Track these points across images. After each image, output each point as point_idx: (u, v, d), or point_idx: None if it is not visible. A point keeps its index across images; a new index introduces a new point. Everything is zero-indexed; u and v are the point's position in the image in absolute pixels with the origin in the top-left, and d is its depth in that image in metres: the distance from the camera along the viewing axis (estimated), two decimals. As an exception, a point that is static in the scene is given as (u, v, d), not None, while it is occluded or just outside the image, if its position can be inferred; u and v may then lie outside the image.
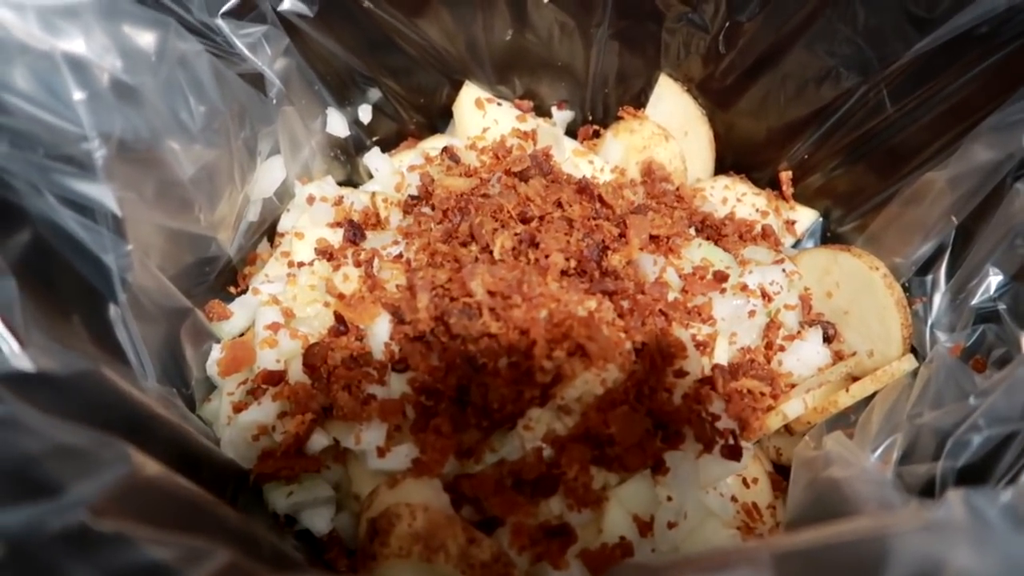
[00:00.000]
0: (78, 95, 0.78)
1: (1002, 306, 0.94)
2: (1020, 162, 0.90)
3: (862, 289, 1.06)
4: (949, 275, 1.02)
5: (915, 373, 0.97)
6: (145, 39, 0.84)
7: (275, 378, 0.98)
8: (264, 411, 0.96)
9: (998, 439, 0.74)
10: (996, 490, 0.58)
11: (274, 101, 1.07)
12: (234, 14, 0.98)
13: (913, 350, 1.05)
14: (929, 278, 1.05)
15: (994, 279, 0.95)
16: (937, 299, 1.03)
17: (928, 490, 0.80)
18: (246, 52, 1.00)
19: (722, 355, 1.01)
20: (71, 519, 0.48)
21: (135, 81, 0.83)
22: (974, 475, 0.75)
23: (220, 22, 0.96)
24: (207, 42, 0.95)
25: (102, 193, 0.79)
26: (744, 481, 1.00)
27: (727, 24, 1.14)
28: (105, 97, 0.80)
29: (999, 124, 0.92)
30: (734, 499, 0.97)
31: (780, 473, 1.05)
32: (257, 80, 1.04)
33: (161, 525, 0.55)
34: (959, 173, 0.97)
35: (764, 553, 0.53)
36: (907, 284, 1.07)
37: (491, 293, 0.91)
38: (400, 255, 1.03)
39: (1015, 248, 0.93)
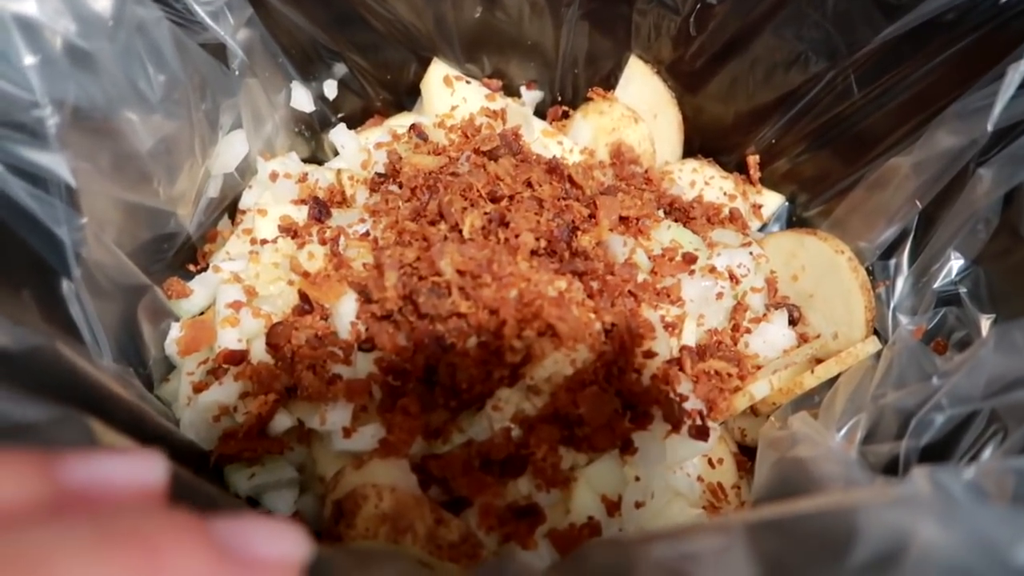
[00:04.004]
0: (29, 59, 0.74)
1: (963, 289, 0.96)
2: (983, 148, 0.91)
3: (827, 272, 1.08)
4: (912, 259, 1.04)
5: (878, 355, 0.99)
6: (101, 3, 0.80)
7: (237, 358, 0.95)
8: (225, 391, 0.93)
9: (960, 418, 0.75)
10: (959, 467, 0.60)
11: (236, 73, 1.04)
12: (195, -20, 0.94)
13: (876, 333, 1.07)
14: (892, 262, 1.06)
15: (955, 263, 0.97)
16: (900, 283, 1.05)
17: (891, 468, 0.81)
18: (208, 21, 0.96)
19: (690, 336, 1.01)
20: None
21: (91, 47, 0.79)
22: (936, 453, 0.77)
23: (180, -12, 0.93)
24: (167, 9, 0.91)
25: (55, 162, 0.76)
26: (710, 461, 1.00)
27: (698, 6, 1.13)
28: (58, 62, 0.76)
29: (963, 111, 0.93)
30: (700, 479, 0.98)
31: (745, 454, 1.06)
32: (219, 50, 1.01)
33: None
34: (923, 159, 0.98)
35: (737, 523, 0.53)
36: (871, 268, 1.09)
37: (460, 272, 0.89)
38: (367, 233, 1.01)
39: (976, 233, 0.94)
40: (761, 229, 1.28)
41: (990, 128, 0.89)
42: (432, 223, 0.99)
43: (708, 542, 0.53)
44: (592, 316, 0.92)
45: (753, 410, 1.05)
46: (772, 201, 1.27)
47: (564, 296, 0.91)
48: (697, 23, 1.16)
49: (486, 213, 0.98)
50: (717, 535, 0.53)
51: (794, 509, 0.55)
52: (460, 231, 0.96)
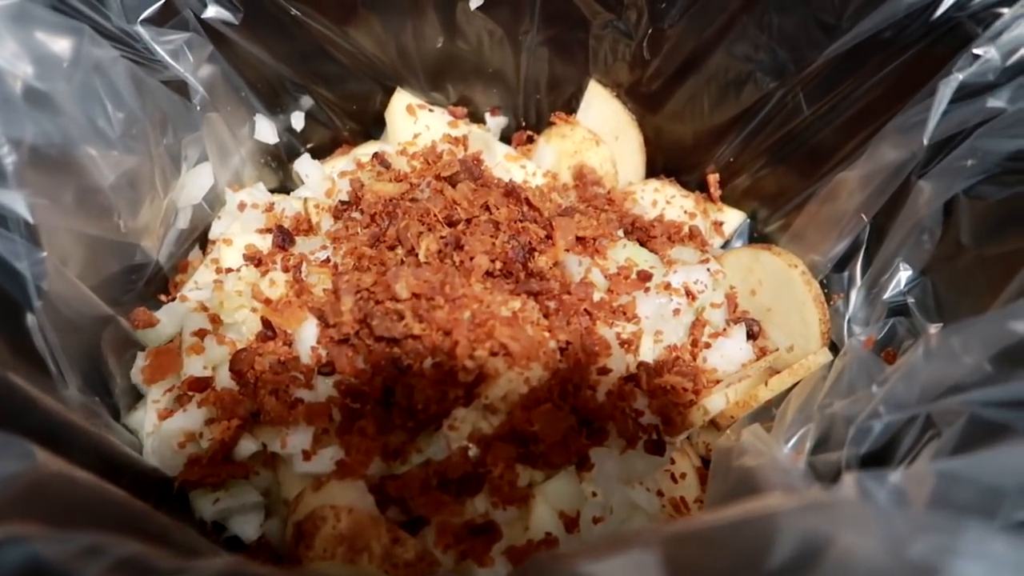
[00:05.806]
0: (-14, 101, 0.77)
1: (911, 300, 0.98)
2: (922, 161, 0.94)
3: (783, 286, 1.10)
4: (864, 271, 1.06)
5: (832, 366, 1.00)
6: (58, 45, 0.84)
7: (202, 385, 0.97)
8: (190, 418, 0.95)
9: (898, 424, 0.76)
10: (886, 472, 0.60)
11: (198, 108, 1.07)
12: (154, 21, 0.97)
13: (834, 345, 1.08)
14: (846, 274, 1.08)
15: (904, 274, 0.99)
16: (854, 295, 1.07)
17: (839, 478, 0.82)
18: (167, 59, 1.00)
19: (647, 353, 1.03)
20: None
21: (48, 87, 0.82)
22: (877, 460, 0.78)
23: (140, 29, 0.96)
24: (126, 49, 0.95)
25: (13, 199, 0.79)
26: (672, 476, 1.01)
27: (650, 31, 1.17)
28: (15, 103, 0.79)
29: (902, 125, 0.95)
30: (661, 493, 0.99)
31: (709, 468, 1.07)
32: (180, 87, 1.04)
33: (65, 523, 0.55)
34: (868, 172, 1.01)
35: (655, 536, 0.54)
36: (825, 280, 1.10)
37: (415, 295, 0.92)
38: (328, 260, 1.04)
39: (922, 244, 0.97)
40: (724, 246, 1.30)
41: (926, 141, 0.91)
42: (390, 248, 1.01)
43: (627, 556, 0.54)
44: (546, 335, 0.94)
45: (715, 424, 1.07)
46: (733, 218, 1.29)
47: (518, 316, 0.93)
48: (651, 46, 1.19)
49: (442, 237, 1.00)
50: (637, 548, 0.54)
51: (716, 518, 0.56)
52: (416, 255, 0.98)
